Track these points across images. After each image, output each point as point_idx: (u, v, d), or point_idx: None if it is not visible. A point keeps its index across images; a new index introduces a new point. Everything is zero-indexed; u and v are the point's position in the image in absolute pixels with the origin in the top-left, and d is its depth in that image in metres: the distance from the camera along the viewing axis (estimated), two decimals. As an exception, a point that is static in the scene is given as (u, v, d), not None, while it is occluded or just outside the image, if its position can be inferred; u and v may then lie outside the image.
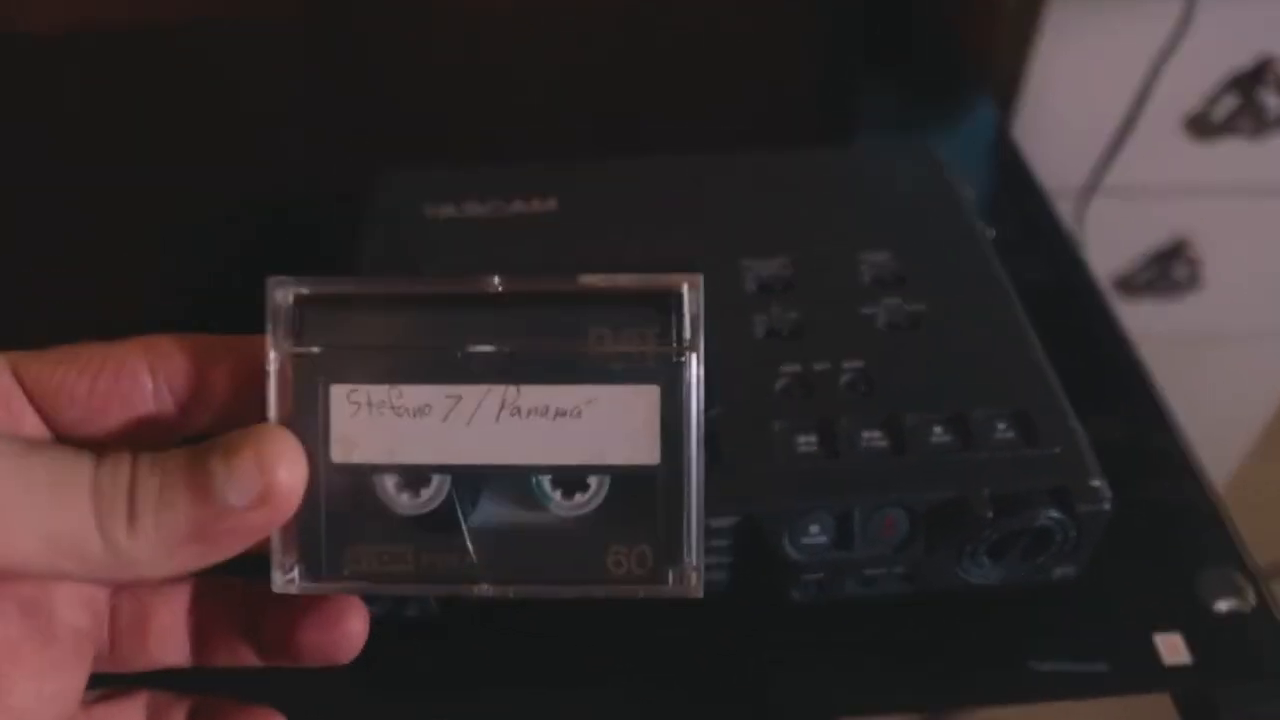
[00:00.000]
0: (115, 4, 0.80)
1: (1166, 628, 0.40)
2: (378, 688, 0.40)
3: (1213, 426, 0.96)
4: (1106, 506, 0.37)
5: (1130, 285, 0.86)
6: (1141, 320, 0.89)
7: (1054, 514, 0.37)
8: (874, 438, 0.38)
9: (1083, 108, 0.75)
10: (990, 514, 0.36)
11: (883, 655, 0.40)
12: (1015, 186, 0.64)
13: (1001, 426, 0.38)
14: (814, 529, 0.37)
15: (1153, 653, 0.40)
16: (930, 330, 0.42)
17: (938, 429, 0.38)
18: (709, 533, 0.37)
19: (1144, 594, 0.41)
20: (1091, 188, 0.77)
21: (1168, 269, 0.85)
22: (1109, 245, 0.82)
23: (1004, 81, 0.75)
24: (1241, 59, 0.73)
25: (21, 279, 0.59)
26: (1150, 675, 0.39)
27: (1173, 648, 0.40)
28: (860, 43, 0.79)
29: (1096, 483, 0.37)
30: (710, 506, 0.36)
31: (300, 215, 0.60)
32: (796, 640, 0.40)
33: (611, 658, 0.40)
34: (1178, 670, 0.39)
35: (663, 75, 0.74)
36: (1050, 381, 0.40)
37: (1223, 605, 0.41)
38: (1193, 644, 0.40)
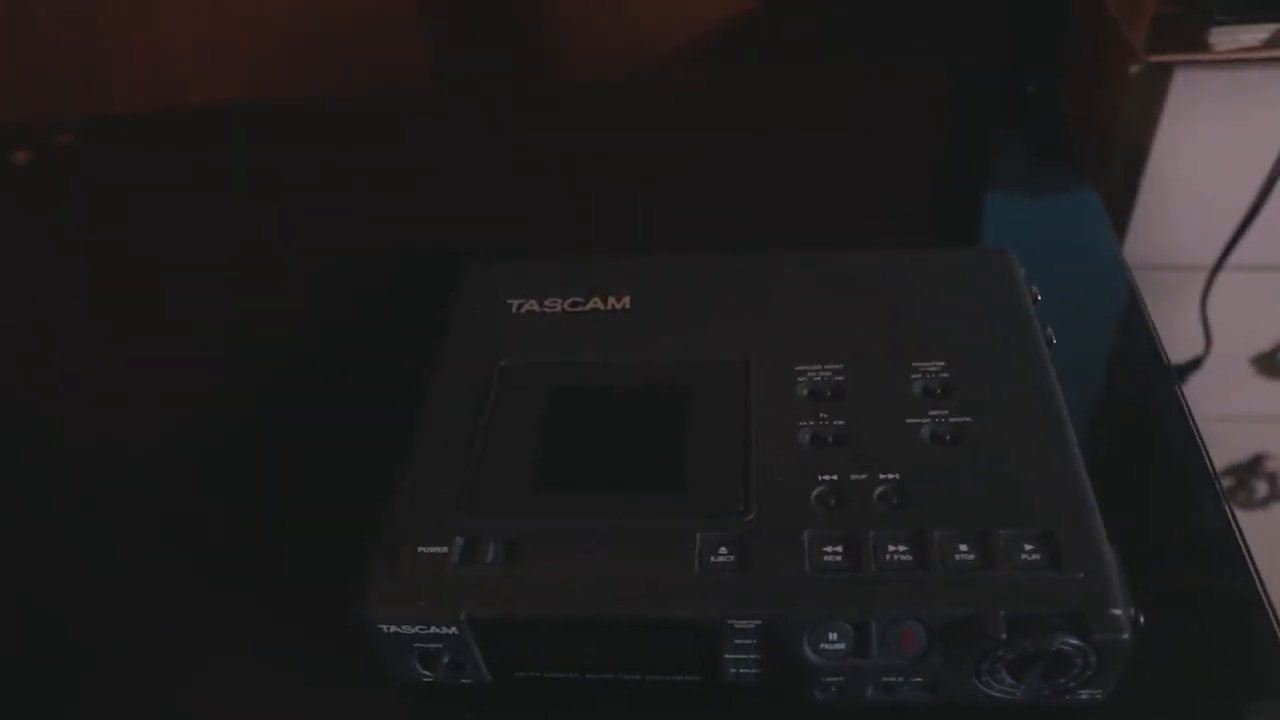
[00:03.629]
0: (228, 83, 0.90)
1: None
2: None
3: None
4: (1125, 636, 0.37)
5: (1269, 364, 0.82)
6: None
7: (1071, 640, 0.37)
8: (899, 551, 0.40)
9: (1212, 182, 0.73)
10: (1004, 635, 0.37)
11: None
12: (1105, 269, 0.63)
13: (1028, 548, 0.39)
14: (833, 635, 0.39)
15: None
16: (972, 445, 0.43)
17: (963, 546, 0.40)
18: (735, 633, 0.40)
19: None
20: (1220, 265, 0.74)
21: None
22: (1243, 323, 0.79)
23: (1127, 157, 0.74)
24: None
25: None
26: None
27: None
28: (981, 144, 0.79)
29: (1117, 611, 0.37)
30: (737, 610, 0.39)
31: (391, 293, 0.66)
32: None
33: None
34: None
35: (773, 162, 0.77)
36: (1086, 503, 0.41)
37: (1268, 739, 0.41)
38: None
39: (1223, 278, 0.76)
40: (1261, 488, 0.91)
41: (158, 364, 0.65)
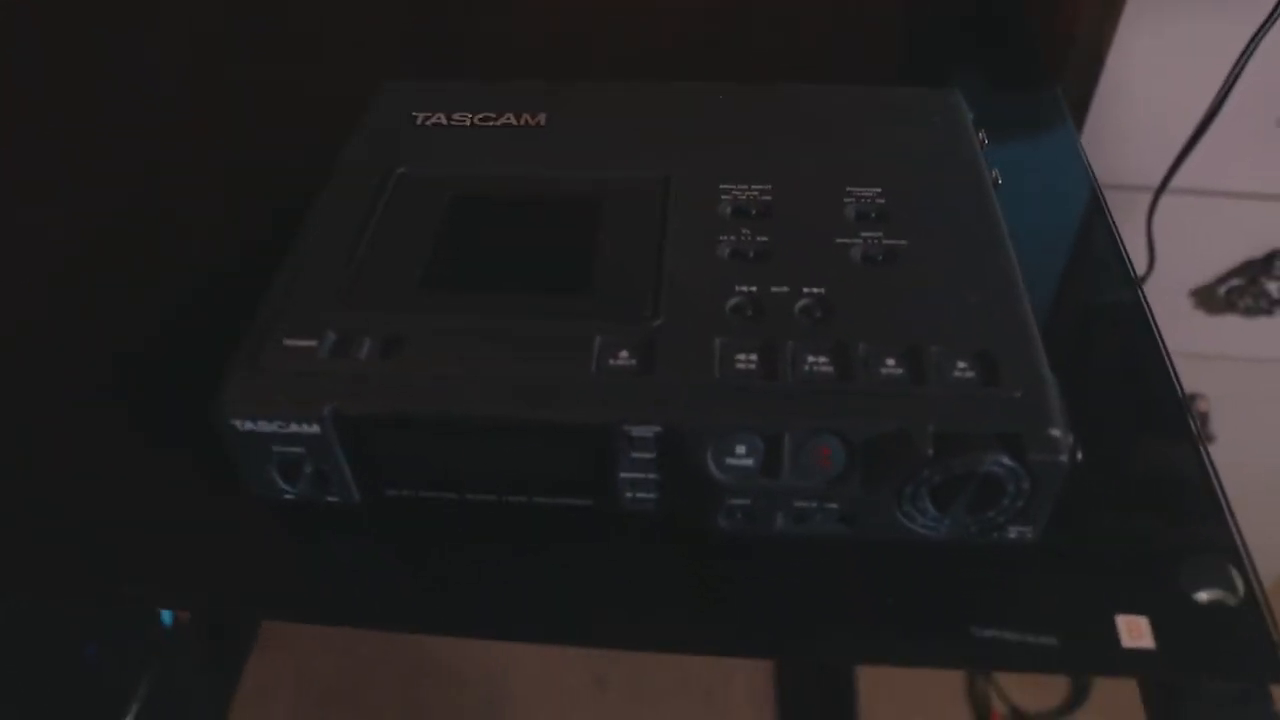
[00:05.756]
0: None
1: (1135, 609, 0.37)
2: (302, 573, 0.40)
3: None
4: (1063, 458, 0.34)
5: (1209, 299, 0.80)
6: (1223, 337, 0.83)
7: (1003, 460, 0.34)
8: (819, 363, 0.36)
9: (1164, 100, 0.71)
10: (931, 451, 0.34)
11: (814, 599, 0.37)
12: (1071, 179, 0.59)
13: (961, 365, 0.36)
14: (740, 449, 0.35)
15: (1114, 633, 0.36)
16: (905, 266, 0.39)
17: (890, 361, 0.36)
18: (631, 443, 0.35)
19: (1117, 570, 0.38)
20: (1166, 186, 0.72)
21: (1258, 281, 0.79)
22: (1187, 252, 0.77)
23: (1081, 69, 0.71)
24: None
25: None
26: (1104, 657, 0.36)
27: (1135, 631, 0.36)
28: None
29: (1056, 432, 0.34)
30: (635, 414, 0.35)
31: (309, 113, 0.61)
32: (726, 573, 0.38)
33: (532, 563, 0.39)
34: (1136, 655, 0.36)
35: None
36: (1026, 326, 0.37)
37: (1204, 595, 0.37)
38: (1161, 631, 0.36)
39: (1169, 200, 0.73)
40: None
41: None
